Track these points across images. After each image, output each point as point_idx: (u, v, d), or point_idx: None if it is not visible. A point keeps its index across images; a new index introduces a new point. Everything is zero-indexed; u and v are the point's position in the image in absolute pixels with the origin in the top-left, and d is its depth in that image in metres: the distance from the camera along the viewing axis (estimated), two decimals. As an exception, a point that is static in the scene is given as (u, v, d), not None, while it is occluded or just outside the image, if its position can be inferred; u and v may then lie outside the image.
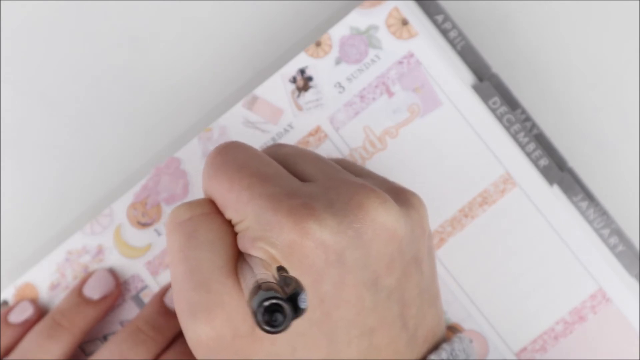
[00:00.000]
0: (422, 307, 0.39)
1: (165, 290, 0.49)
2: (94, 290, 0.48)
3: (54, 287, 0.49)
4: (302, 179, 0.39)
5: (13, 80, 0.52)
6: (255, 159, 0.39)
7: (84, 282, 0.49)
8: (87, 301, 0.48)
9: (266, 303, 0.30)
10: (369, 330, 0.37)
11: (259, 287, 0.31)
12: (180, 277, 0.37)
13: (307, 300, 0.31)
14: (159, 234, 0.49)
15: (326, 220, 0.36)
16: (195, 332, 0.37)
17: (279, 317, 0.30)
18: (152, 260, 0.49)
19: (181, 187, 0.49)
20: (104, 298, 0.48)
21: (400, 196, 0.39)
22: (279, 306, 0.30)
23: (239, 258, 0.38)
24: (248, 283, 0.34)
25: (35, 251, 0.52)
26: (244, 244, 0.37)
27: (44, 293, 0.49)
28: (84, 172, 0.52)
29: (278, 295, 0.30)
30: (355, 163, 0.44)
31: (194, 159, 0.49)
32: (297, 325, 0.36)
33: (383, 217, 0.37)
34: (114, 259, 0.49)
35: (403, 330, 0.38)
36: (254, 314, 0.30)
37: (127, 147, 0.51)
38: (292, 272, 0.36)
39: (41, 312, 0.49)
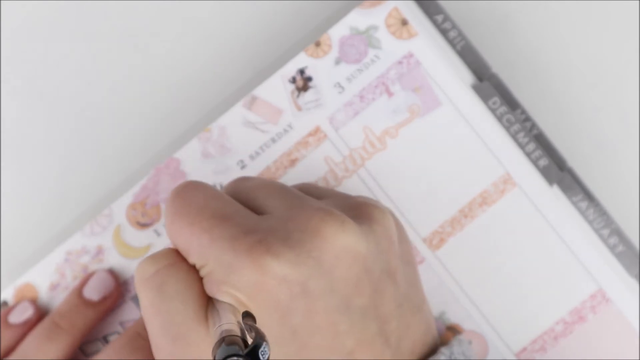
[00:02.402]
0: (403, 319, 0.39)
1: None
2: (94, 292, 0.48)
3: (53, 287, 0.49)
4: (263, 212, 0.39)
5: (13, 80, 0.52)
6: (214, 199, 0.38)
7: (83, 283, 0.49)
8: (87, 303, 0.48)
9: None
10: (348, 352, 0.37)
11: (222, 340, 0.32)
12: (157, 332, 0.38)
13: (268, 352, 0.32)
14: (158, 234, 0.49)
15: (284, 254, 0.36)
16: None
17: None
18: (151, 260, 0.49)
19: (181, 187, 0.49)
20: (103, 299, 0.48)
21: (362, 211, 0.39)
22: None
23: (209, 302, 0.38)
24: (215, 333, 0.34)
25: (34, 251, 0.52)
26: (210, 289, 0.37)
27: (43, 293, 0.49)
28: (83, 173, 0.52)
29: (238, 351, 0.31)
30: (317, 185, 0.44)
31: (193, 159, 0.49)
32: None
33: (341, 239, 0.37)
34: (113, 259, 0.49)
35: (385, 346, 0.38)
36: None
37: (127, 147, 0.51)
38: (260, 311, 0.36)
39: (41, 312, 0.49)
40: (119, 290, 0.49)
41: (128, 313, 0.50)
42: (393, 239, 0.39)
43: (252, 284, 0.36)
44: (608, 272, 0.47)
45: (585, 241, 0.47)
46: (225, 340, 0.32)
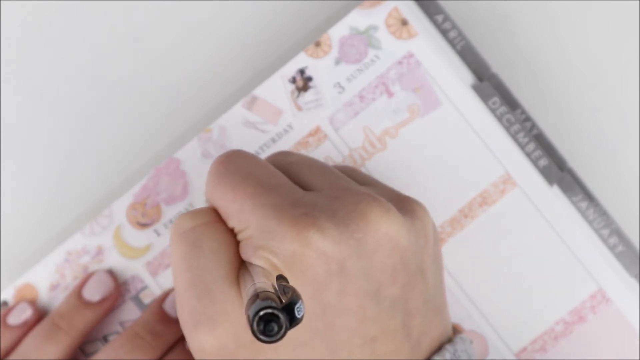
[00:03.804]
0: (427, 316, 0.39)
1: (165, 296, 0.49)
2: (93, 292, 0.48)
3: (53, 287, 0.49)
4: (306, 188, 0.39)
5: (13, 80, 0.52)
6: (259, 168, 0.39)
7: (83, 284, 0.48)
8: (87, 303, 0.48)
9: (262, 312, 0.30)
10: (371, 339, 0.37)
11: (256, 296, 0.31)
12: (184, 287, 0.38)
13: (303, 310, 0.31)
14: (158, 234, 0.49)
15: (328, 230, 0.36)
16: (199, 342, 0.37)
17: (275, 326, 0.30)
18: (151, 260, 0.49)
19: (181, 187, 0.49)
20: (103, 300, 0.48)
21: (405, 205, 0.39)
22: (274, 316, 0.30)
23: (241, 267, 0.38)
24: (248, 291, 0.34)
25: (35, 252, 0.52)
26: (246, 253, 0.37)
27: (43, 293, 0.49)
28: (83, 173, 0.52)
29: (274, 304, 0.31)
30: (360, 171, 0.44)
31: (193, 159, 0.49)
32: (300, 334, 0.37)
33: (386, 227, 0.37)
34: (113, 259, 0.49)
35: (406, 340, 0.38)
36: (250, 323, 0.31)
37: (127, 147, 0.51)
38: (294, 282, 0.36)
39: (40, 313, 0.49)
40: (119, 290, 0.49)
41: (128, 313, 0.50)
42: (429, 238, 0.40)
43: (291, 253, 0.36)
44: (608, 272, 0.47)
45: (585, 241, 0.47)
46: (260, 295, 0.31)
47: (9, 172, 0.52)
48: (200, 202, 0.49)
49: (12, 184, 0.52)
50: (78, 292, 0.48)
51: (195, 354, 0.38)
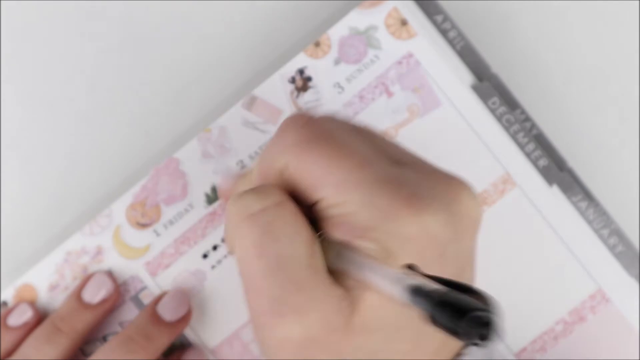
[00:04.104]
0: None
1: (158, 299, 0.48)
2: (93, 294, 0.48)
3: (53, 287, 0.49)
4: (394, 163, 0.36)
5: (13, 80, 0.52)
6: (354, 136, 0.35)
7: (82, 286, 0.48)
8: (86, 305, 0.48)
9: (476, 315, 0.27)
10: None
11: (443, 300, 0.27)
12: (259, 275, 0.34)
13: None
14: (158, 234, 0.49)
15: (440, 213, 0.34)
16: (285, 332, 0.34)
17: (488, 331, 0.27)
18: (151, 260, 0.49)
19: (180, 187, 0.49)
20: (102, 302, 0.48)
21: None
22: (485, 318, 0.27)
23: (326, 247, 0.35)
24: (380, 283, 0.31)
25: (34, 252, 0.52)
26: (346, 231, 0.34)
27: (43, 294, 0.49)
28: (83, 173, 0.51)
29: (485, 307, 0.27)
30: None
31: (193, 159, 0.49)
32: (397, 319, 0.35)
33: (475, 209, 0.36)
34: (113, 259, 0.49)
35: None
36: (458, 328, 0.27)
37: (126, 147, 0.51)
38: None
39: (40, 315, 0.49)
40: (118, 292, 0.49)
41: (127, 313, 0.50)
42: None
43: (406, 236, 0.33)
44: (608, 272, 0.47)
45: (585, 241, 0.47)
46: (446, 295, 0.27)
47: (9, 172, 0.52)
48: (199, 203, 0.49)
49: (11, 184, 0.52)
50: (78, 294, 0.48)
51: (273, 347, 0.35)
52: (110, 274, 0.49)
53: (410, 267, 0.30)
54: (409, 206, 0.33)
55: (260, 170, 0.37)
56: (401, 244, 0.33)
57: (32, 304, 0.49)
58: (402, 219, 0.33)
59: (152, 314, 0.48)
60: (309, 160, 0.35)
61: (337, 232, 0.34)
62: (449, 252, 0.35)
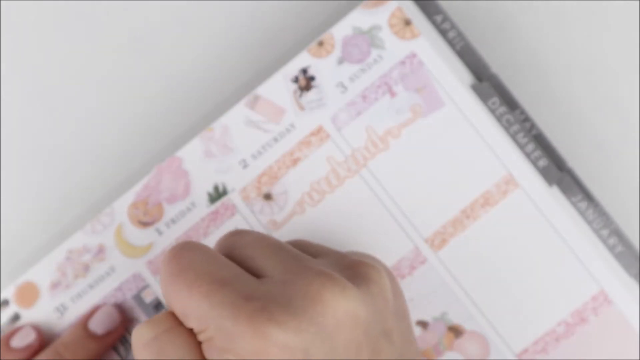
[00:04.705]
0: None
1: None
2: (99, 326, 0.49)
3: (54, 286, 0.49)
4: (259, 272, 0.39)
5: (13, 80, 0.51)
6: (211, 262, 0.38)
7: (89, 315, 0.49)
8: (91, 336, 0.49)
9: None
10: None
11: None
12: None
13: None
14: (160, 233, 0.49)
15: (286, 323, 0.36)
16: None
17: None
18: (153, 259, 0.49)
19: (182, 186, 0.49)
20: (108, 333, 0.49)
21: (358, 271, 0.39)
22: None
23: None
24: None
25: (35, 250, 0.51)
26: (210, 355, 0.37)
27: (44, 292, 0.49)
28: (85, 171, 0.51)
29: None
30: (310, 242, 0.44)
31: (195, 158, 0.49)
32: None
33: (343, 305, 0.37)
34: (114, 258, 0.49)
35: None
36: None
37: (129, 146, 0.51)
38: None
39: (43, 338, 0.49)
40: (125, 325, 0.49)
41: (129, 312, 0.50)
42: (389, 298, 0.39)
43: (254, 351, 0.35)
44: (609, 273, 0.48)
45: (585, 242, 0.48)
46: None
47: (10, 171, 0.51)
48: (201, 202, 0.49)
49: (13, 183, 0.52)
50: (84, 324, 0.49)
51: None
52: (119, 306, 0.49)
53: None
54: (250, 323, 0.35)
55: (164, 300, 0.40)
56: (254, 358, 0.36)
57: (37, 327, 0.49)
58: (245, 337, 0.35)
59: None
60: (172, 295, 0.38)
61: (206, 355, 0.37)
62: (316, 353, 0.36)
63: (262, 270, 0.39)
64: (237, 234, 0.41)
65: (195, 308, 0.37)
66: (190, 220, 0.49)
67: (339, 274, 0.39)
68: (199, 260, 0.38)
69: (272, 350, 0.35)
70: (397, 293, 0.41)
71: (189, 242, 0.39)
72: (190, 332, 0.38)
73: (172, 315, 0.38)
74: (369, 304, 0.38)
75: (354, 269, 0.39)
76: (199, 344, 0.38)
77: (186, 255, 0.38)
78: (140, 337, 0.38)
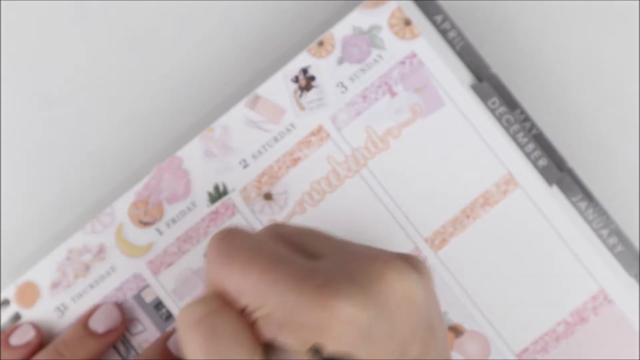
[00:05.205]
0: None
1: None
2: (99, 324, 0.49)
3: (54, 285, 0.49)
4: (313, 256, 0.39)
5: (13, 80, 0.51)
6: (263, 242, 0.38)
7: (90, 314, 0.49)
8: (91, 334, 0.49)
9: None
10: None
11: None
12: None
13: None
14: (160, 232, 0.49)
15: (353, 296, 0.35)
16: None
17: None
18: (153, 259, 0.49)
19: (183, 186, 0.49)
20: (108, 332, 0.49)
21: (410, 262, 0.39)
22: None
23: (270, 349, 0.38)
24: None
25: (36, 250, 0.52)
26: (269, 330, 0.37)
27: (44, 292, 0.49)
28: (85, 171, 0.51)
29: None
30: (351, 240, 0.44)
31: (195, 158, 0.49)
32: None
33: (403, 285, 0.37)
34: (115, 257, 0.49)
35: None
36: None
37: (129, 145, 0.51)
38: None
39: (42, 335, 0.49)
40: (125, 324, 0.49)
41: (129, 312, 0.50)
42: (435, 295, 0.39)
43: (319, 324, 0.35)
44: (609, 273, 0.48)
45: (585, 242, 0.48)
46: None
47: (10, 171, 0.51)
48: (201, 202, 0.49)
49: (13, 182, 0.52)
50: (84, 322, 0.49)
51: None
52: (119, 305, 0.49)
53: (317, 350, 0.34)
54: (317, 295, 0.35)
55: (206, 284, 0.40)
56: (317, 333, 0.35)
57: (37, 325, 0.49)
58: (311, 309, 0.35)
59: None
60: (226, 273, 0.38)
61: (263, 333, 0.37)
62: (378, 333, 0.36)
63: (316, 253, 0.39)
64: (277, 225, 0.41)
65: (252, 283, 0.37)
66: (190, 220, 0.49)
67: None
68: (250, 242, 0.38)
69: (335, 325, 0.35)
70: (436, 297, 0.41)
71: (235, 227, 0.39)
72: (240, 314, 0.38)
73: (220, 297, 0.38)
74: (424, 292, 0.38)
75: (407, 260, 0.39)
76: (248, 324, 0.37)
77: (237, 238, 0.38)
78: (190, 314, 0.38)
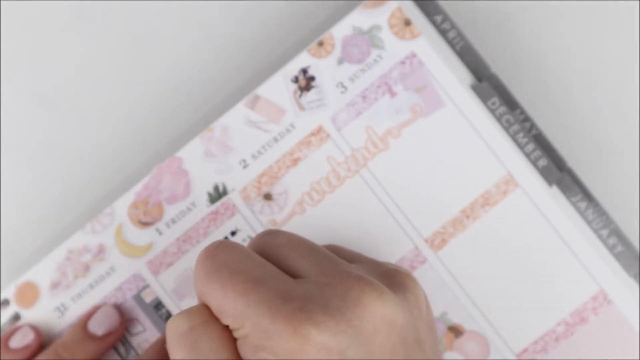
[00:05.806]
0: None
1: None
2: (99, 326, 0.49)
3: (54, 286, 0.49)
4: (296, 273, 0.39)
5: (13, 80, 0.51)
6: (246, 260, 0.38)
7: (89, 316, 0.49)
8: (91, 336, 0.49)
9: None
10: None
11: None
12: None
13: None
14: (160, 233, 0.49)
15: (325, 323, 0.36)
16: None
17: None
18: (153, 259, 0.49)
19: (182, 186, 0.49)
20: (107, 334, 0.49)
21: (394, 280, 0.39)
22: None
23: None
24: None
25: (36, 250, 0.52)
26: (245, 352, 0.37)
27: (44, 292, 0.49)
28: (85, 171, 0.51)
29: None
30: (345, 248, 0.44)
31: (195, 158, 0.49)
32: None
33: (381, 310, 0.37)
34: (114, 258, 0.49)
35: None
36: None
37: (129, 145, 0.51)
38: None
39: (42, 338, 0.49)
40: (124, 326, 0.49)
41: (129, 312, 0.50)
42: (423, 308, 0.39)
43: (291, 351, 0.35)
44: (609, 273, 0.48)
45: (585, 242, 0.48)
46: None
47: (10, 171, 0.51)
48: (201, 202, 0.49)
49: (13, 183, 0.52)
50: (83, 324, 0.49)
51: None
52: (118, 307, 0.49)
53: None
54: (288, 322, 0.35)
55: (197, 297, 0.40)
56: (286, 358, 0.36)
57: (36, 327, 0.49)
58: (282, 336, 0.35)
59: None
60: (207, 293, 0.38)
61: (241, 354, 0.37)
62: (353, 357, 0.36)
63: (298, 271, 0.39)
64: (271, 233, 0.41)
65: (230, 305, 0.37)
66: (190, 220, 0.49)
67: (376, 280, 0.39)
68: (233, 259, 0.38)
69: (309, 350, 0.35)
70: (428, 307, 0.41)
71: (224, 242, 0.39)
72: (226, 328, 0.38)
73: (208, 309, 0.39)
74: (406, 311, 0.38)
75: (391, 277, 0.40)
76: (233, 340, 0.38)
77: (221, 255, 0.38)
78: (175, 327, 0.38)
